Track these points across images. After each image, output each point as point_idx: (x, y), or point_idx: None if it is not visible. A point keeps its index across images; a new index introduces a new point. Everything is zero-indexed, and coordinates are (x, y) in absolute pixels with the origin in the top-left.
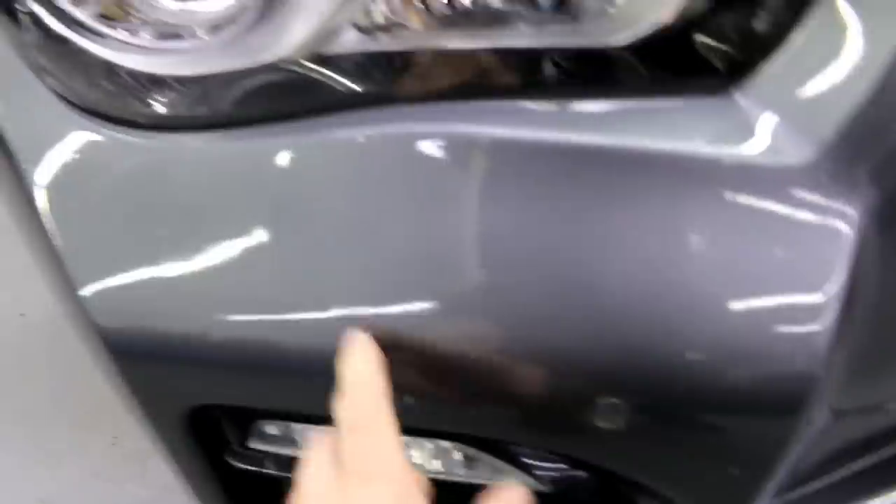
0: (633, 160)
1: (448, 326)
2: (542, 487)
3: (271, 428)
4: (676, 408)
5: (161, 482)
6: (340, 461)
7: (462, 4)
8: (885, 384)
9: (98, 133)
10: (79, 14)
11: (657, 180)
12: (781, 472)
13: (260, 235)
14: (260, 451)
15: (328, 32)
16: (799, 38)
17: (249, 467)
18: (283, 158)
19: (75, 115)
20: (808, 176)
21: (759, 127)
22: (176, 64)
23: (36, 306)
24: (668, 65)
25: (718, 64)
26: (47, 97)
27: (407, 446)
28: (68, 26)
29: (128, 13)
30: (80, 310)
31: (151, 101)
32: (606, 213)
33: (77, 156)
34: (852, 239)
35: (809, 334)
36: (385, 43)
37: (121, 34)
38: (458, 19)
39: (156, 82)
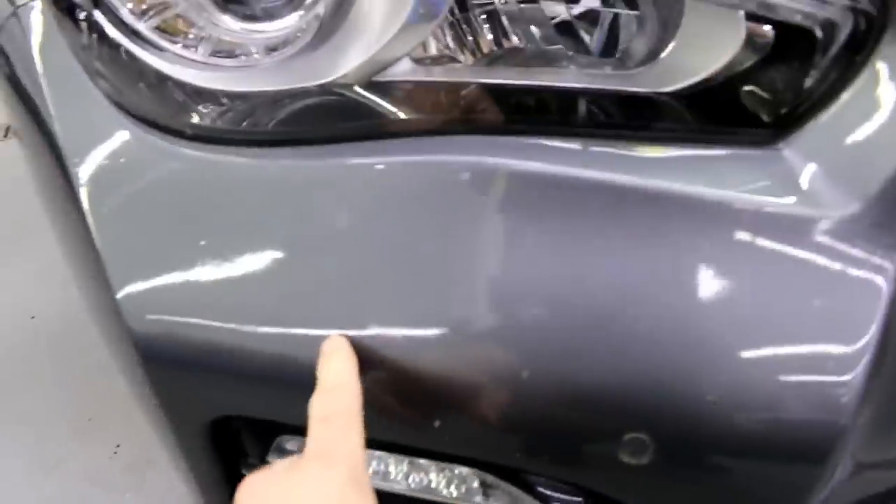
0: (678, 205)
1: (468, 353)
2: None
3: (291, 444)
4: (701, 448)
5: (159, 493)
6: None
7: (510, 43)
8: None
9: (146, 140)
10: (139, 26)
11: (701, 225)
12: None
13: (295, 252)
14: None
15: (384, 61)
16: (845, 96)
17: None
18: (324, 180)
19: (125, 121)
20: (849, 229)
21: (802, 179)
22: (229, 80)
23: (47, 309)
24: (715, 114)
25: (765, 116)
26: (100, 101)
27: (425, 471)
28: (127, 36)
29: (186, 28)
30: (114, 312)
31: (200, 114)
32: (647, 253)
33: (124, 160)
34: (887, 293)
35: (839, 384)
36: (436, 74)
37: (177, 48)
38: (506, 57)
39: (206, 96)
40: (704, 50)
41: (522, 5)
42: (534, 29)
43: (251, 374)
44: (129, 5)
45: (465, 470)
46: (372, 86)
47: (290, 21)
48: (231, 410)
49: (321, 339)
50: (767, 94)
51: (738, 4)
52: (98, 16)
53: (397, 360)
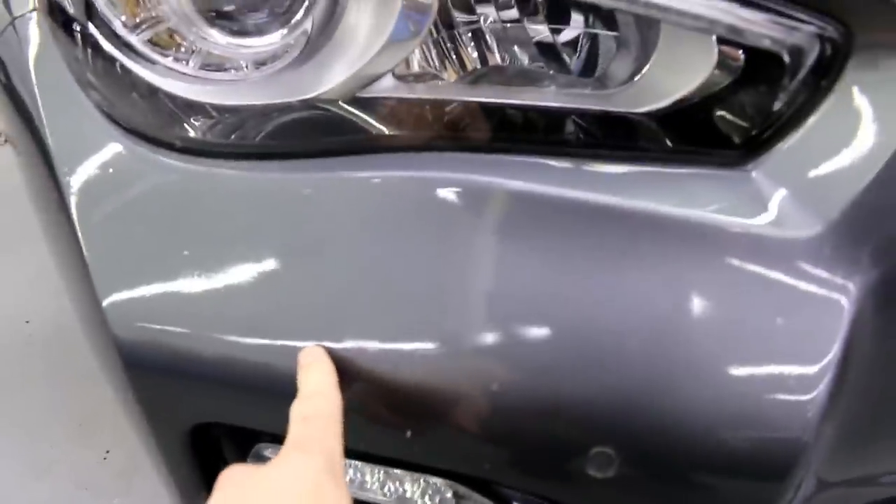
0: (647, 223)
1: (440, 366)
2: None
3: (270, 451)
4: (667, 463)
5: (146, 498)
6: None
7: (494, 61)
8: (874, 458)
9: (135, 151)
10: (132, 39)
11: (669, 243)
12: None
13: (278, 264)
14: None
15: (368, 77)
16: (814, 120)
17: None
18: (308, 193)
19: (115, 132)
20: (813, 250)
21: (770, 200)
22: (218, 93)
23: (41, 314)
24: (688, 135)
25: (735, 138)
26: (91, 112)
27: (400, 481)
28: (120, 49)
29: (177, 42)
30: (99, 319)
31: (189, 126)
32: (617, 270)
33: (113, 171)
34: (849, 313)
35: (801, 401)
36: (419, 91)
37: (168, 61)
38: (489, 75)
39: (196, 108)
40: (678, 72)
41: (507, 25)
42: (517, 48)
43: (231, 382)
44: (123, 18)
45: (438, 480)
46: (356, 101)
47: (277, 37)
48: (211, 417)
49: (300, 349)
50: (738, 116)
51: (708, 29)
52: (92, 28)
53: (372, 371)
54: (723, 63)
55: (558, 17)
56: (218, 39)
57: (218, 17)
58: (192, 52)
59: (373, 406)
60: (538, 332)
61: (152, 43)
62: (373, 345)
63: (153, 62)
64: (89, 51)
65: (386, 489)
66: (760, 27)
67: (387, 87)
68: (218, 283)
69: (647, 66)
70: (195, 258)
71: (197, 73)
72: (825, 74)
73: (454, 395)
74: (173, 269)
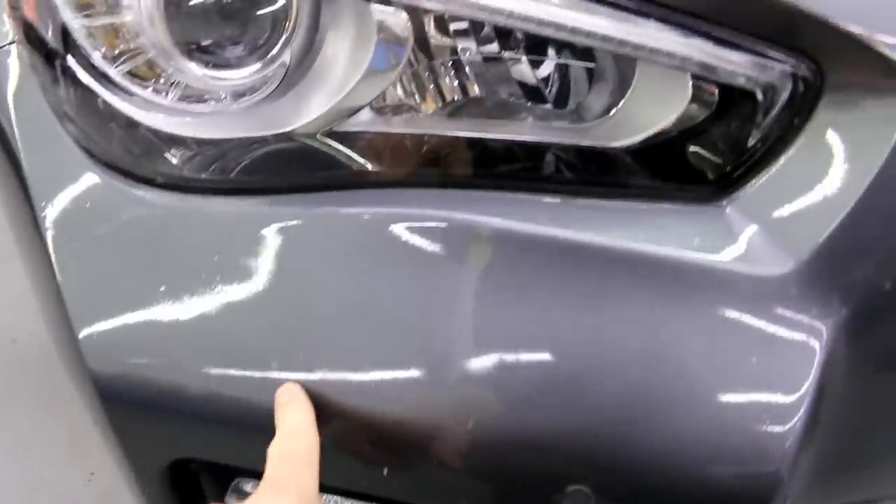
0: (622, 259)
1: (416, 403)
2: None
3: (250, 486)
4: (644, 499)
5: None
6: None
7: (473, 93)
8: (847, 489)
9: (112, 184)
10: (110, 71)
11: (643, 280)
12: None
13: (256, 299)
14: None
15: (346, 110)
16: (786, 158)
17: None
18: (287, 228)
19: (92, 164)
20: (785, 287)
21: (743, 237)
22: (197, 126)
23: (28, 333)
24: (663, 170)
25: (709, 173)
26: (69, 145)
27: None
28: (98, 80)
29: (157, 73)
30: (76, 351)
31: (166, 159)
32: (590, 307)
33: (89, 204)
34: (821, 349)
35: (776, 437)
36: (397, 125)
37: (147, 93)
38: (467, 107)
39: (174, 140)
40: (654, 107)
41: (486, 58)
42: (496, 81)
43: (210, 418)
44: (102, 50)
45: None
46: (334, 134)
47: (255, 69)
48: (190, 453)
49: (279, 385)
50: (712, 151)
51: (682, 67)
52: (70, 60)
53: (350, 408)
54: (697, 98)
55: (537, 50)
56: (196, 72)
57: (196, 50)
58: (172, 84)
59: (350, 442)
60: (515, 368)
61: (131, 74)
62: (351, 381)
63: (132, 94)
64: (68, 83)
65: None
66: (734, 65)
67: (364, 120)
68: (196, 319)
69: (623, 101)
70: (172, 292)
71: (176, 106)
72: (798, 112)
73: (432, 431)
74: (151, 303)
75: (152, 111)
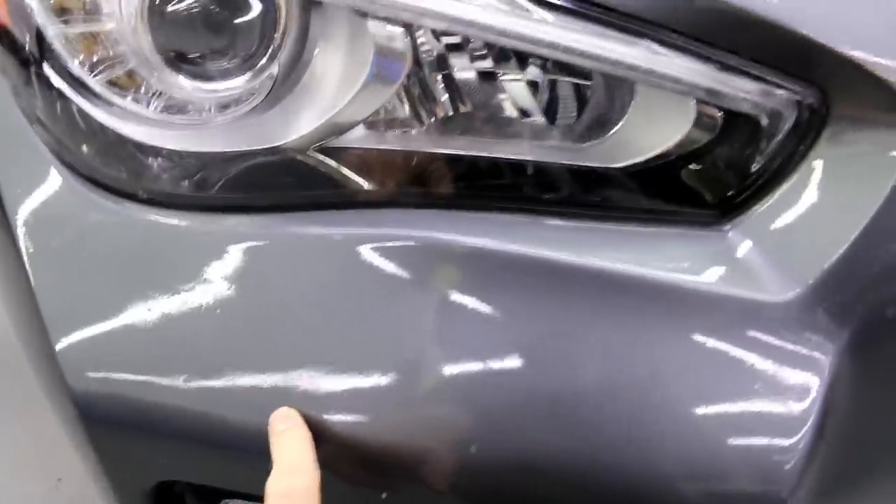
0: (621, 283)
1: (416, 426)
2: None
3: None
4: None
5: None
6: None
7: (465, 108)
8: None
9: (90, 197)
10: (88, 79)
11: (643, 305)
12: None
13: (242, 318)
14: None
15: (338, 126)
16: (791, 183)
17: None
18: (276, 247)
19: (70, 178)
20: (789, 313)
21: (746, 262)
22: (180, 139)
23: None
24: (661, 192)
25: (709, 197)
26: (44, 155)
27: None
28: (75, 89)
29: (136, 83)
30: (52, 368)
31: (146, 171)
32: (592, 330)
33: (66, 215)
34: (824, 373)
35: (779, 461)
36: (390, 141)
37: (127, 102)
38: (460, 123)
39: (153, 151)
40: (654, 128)
41: (480, 74)
42: (489, 97)
43: (197, 439)
44: (80, 58)
45: None
46: (324, 150)
47: (242, 81)
48: (175, 475)
49: (269, 405)
50: (714, 175)
51: (687, 92)
52: (47, 69)
53: (347, 433)
54: (700, 122)
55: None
56: (182, 84)
57: (180, 60)
58: (153, 94)
59: (347, 467)
60: (513, 393)
61: (110, 83)
62: (348, 405)
63: (111, 104)
64: (43, 89)
65: None
66: (740, 91)
67: (357, 136)
68: (181, 337)
69: (623, 122)
70: (156, 310)
71: (157, 117)
72: (803, 139)
73: (430, 453)
74: (133, 320)
75: (132, 122)
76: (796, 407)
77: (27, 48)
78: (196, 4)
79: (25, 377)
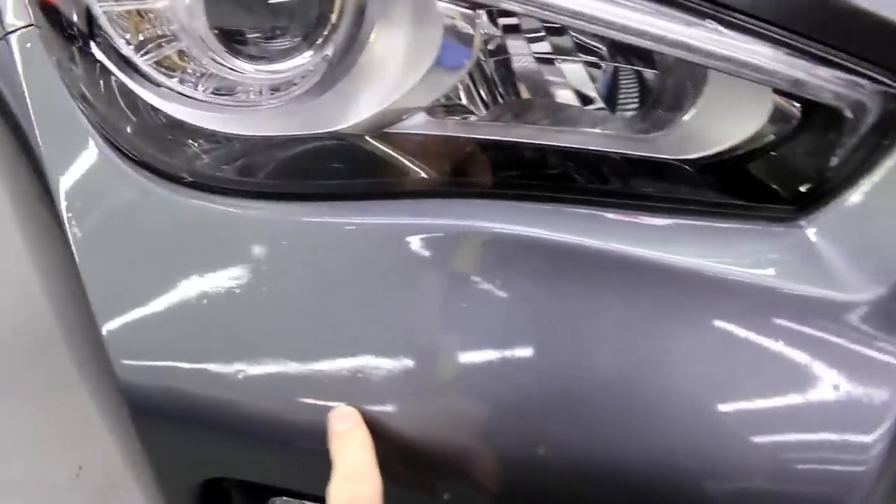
0: (695, 280)
1: (479, 425)
2: None
3: None
4: None
5: None
6: None
7: (524, 94)
8: None
9: (138, 182)
10: (136, 59)
11: (717, 302)
12: None
13: (302, 313)
14: None
15: (401, 112)
16: (874, 179)
17: None
18: (326, 237)
19: (118, 160)
20: (871, 313)
21: (825, 259)
22: (229, 122)
23: (4, 321)
24: (733, 185)
25: (783, 191)
26: (93, 138)
27: None
28: (122, 69)
29: (184, 64)
30: (103, 365)
31: (192, 155)
32: (662, 330)
33: (116, 201)
34: None
35: (854, 466)
36: (450, 128)
37: (174, 83)
38: (523, 113)
39: (199, 132)
40: (727, 119)
41: (537, 58)
42: (547, 82)
43: (250, 435)
44: (127, 36)
45: None
46: (380, 136)
47: (297, 62)
48: (226, 472)
49: (324, 399)
50: (790, 170)
51: (768, 81)
52: (93, 47)
53: (405, 431)
54: (778, 113)
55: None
56: (235, 64)
57: (234, 40)
58: (202, 75)
59: (403, 465)
60: (583, 391)
61: (157, 63)
62: (399, 401)
63: (158, 84)
64: (87, 67)
65: None
66: (825, 82)
67: (415, 122)
68: (236, 331)
69: (694, 112)
70: (210, 302)
71: (207, 99)
72: (887, 132)
73: (494, 452)
74: (187, 313)
75: (179, 103)
76: (872, 410)
77: (75, 25)
78: None
79: (45, 365)
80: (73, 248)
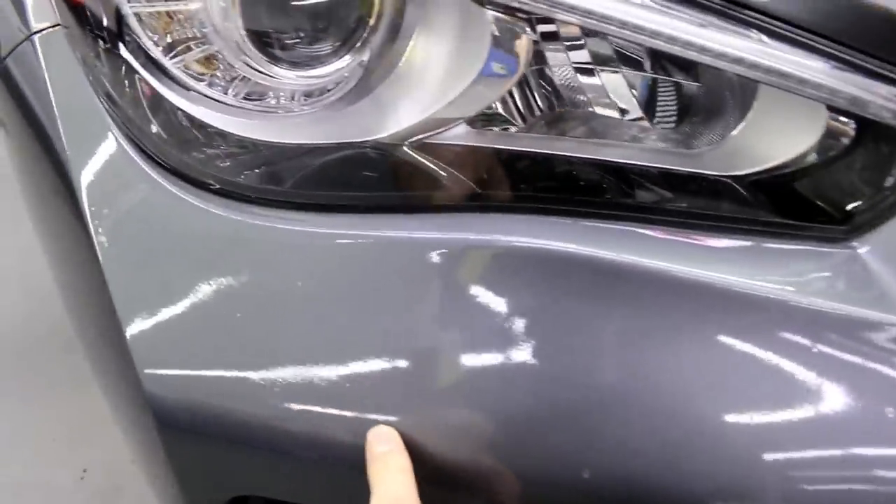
0: (745, 303)
1: (519, 445)
2: None
3: None
4: None
5: None
6: None
7: (562, 105)
8: None
9: (164, 187)
10: (165, 61)
11: (767, 325)
12: None
13: (326, 325)
14: None
15: (443, 122)
16: None
17: None
18: (360, 250)
19: (145, 166)
20: None
21: (880, 281)
22: (258, 128)
23: (5, 322)
24: (781, 204)
25: (834, 211)
26: (122, 144)
27: None
28: (151, 72)
29: (213, 68)
30: (131, 377)
31: (218, 160)
32: (710, 353)
33: (146, 207)
34: None
35: None
36: (492, 140)
37: (204, 88)
38: (564, 125)
39: (227, 139)
40: (778, 135)
41: (576, 68)
42: (586, 94)
43: (282, 451)
44: (156, 38)
45: None
46: (417, 146)
47: (334, 67)
48: (254, 490)
49: (357, 421)
50: (842, 189)
51: (827, 99)
52: (122, 49)
53: (444, 453)
54: (831, 130)
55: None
56: (269, 69)
57: (269, 44)
58: (233, 79)
59: (440, 486)
60: (634, 415)
61: (186, 66)
62: (444, 422)
63: (186, 87)
64: (116, 71)
65: None
66: (885, 100)
67: (458, 133)
68: (267, 345)
69: (742, 127)
70: (244, 315)
71: (237, 103)
72: None
73: (536, 476)
74: (216, 325)
75: (209, 107)
76: None
77: (104, 26)
78: None
79: (49, 366)
80: (98, 250)
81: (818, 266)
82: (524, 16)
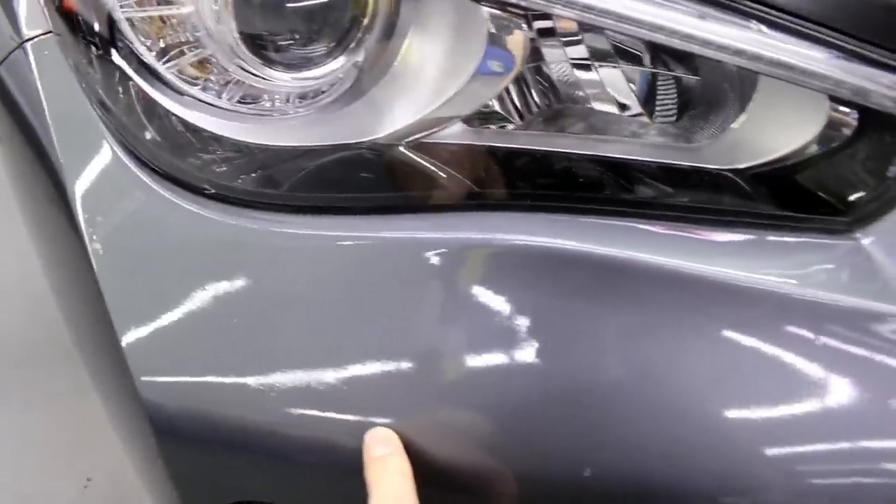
0: (749, 296)
1: (518, 446)
2: None
3: None
4: None
5: None
6: None
7: (559, 101)
8: None
9: (158, 193)
10: (158, 66)
11: (773, 319)
12: None
13: (325, 328)
14: None
15: (438, 121)
16: None
17: None
18: (356, 251)
19: (140, 173)
20: None
21: (884, 273)
22: (252, 131)
23: (8, 331)
24: (782, 196)
25: (836, 202)
26: (115, 151)
27: None
28: (145, 78)
29: (207, 71)
30: (121, 372)
31: (212, 164)
32: (715, 347)
33: (137, 213)
34: None
35: None
36: (489, 138)
37: (196, 91)
38: (562, 121)
39: (222, 143)
40: (779, 128)
41: (574, 64)
42: (584, 90)
43: (282, 456)
44: (149, 43)
45: None
46: (413, 146)
47: (328, 69)
48: (254, 496)
49: (356, 424)
50: (845, 180)
51: (831, 90)
52: (115, 54)
53: (444, 455)
54: (833, 121)
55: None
56: (263, 72)
57: (263, 47)
58: (227, 83)
59: (438, 488)
60: (640, 413)
61: (180, 71)
62: (445, 424)
63: (180, 92)
64: (109, 77)
65: None
66: (888, 89)
67: (454, 132)
68: (266, 348)
69: (743, 119)
70: (241, 320)
71: (231, 107)
72: None
73: (540, 478)
74: (213, 330)
75: (203, 112)
76: None
77: (96, 32)
78: None
79: (51, 374)
80: (92, 258)
81: (821, 258)
82: (520, 12)
